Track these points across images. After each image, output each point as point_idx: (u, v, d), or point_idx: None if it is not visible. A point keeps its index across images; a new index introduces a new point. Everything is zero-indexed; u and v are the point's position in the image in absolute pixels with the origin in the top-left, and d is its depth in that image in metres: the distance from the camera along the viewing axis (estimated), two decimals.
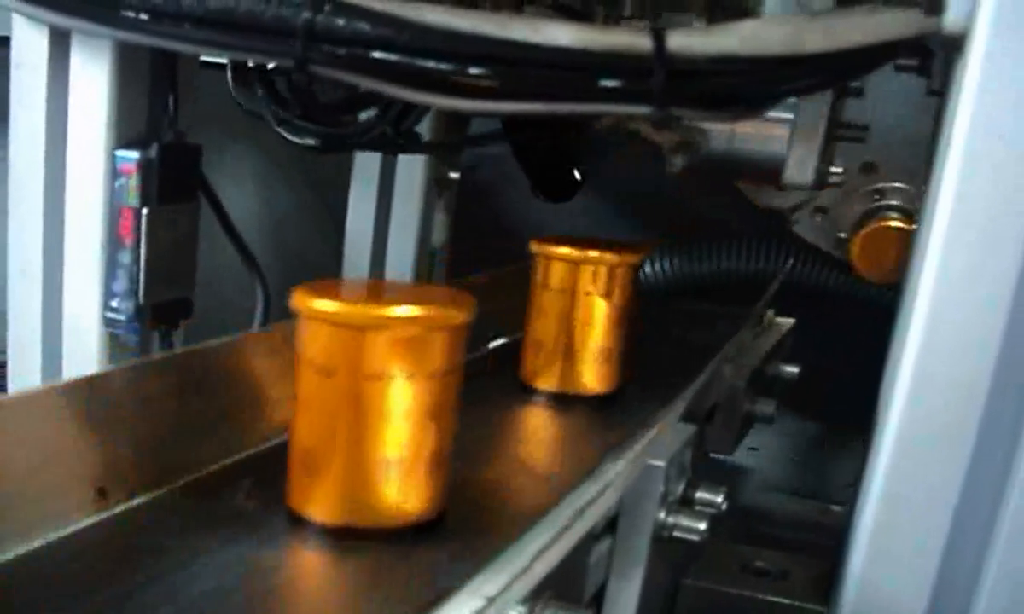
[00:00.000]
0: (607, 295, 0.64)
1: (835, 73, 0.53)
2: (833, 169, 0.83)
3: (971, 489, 0.47)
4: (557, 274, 0.64)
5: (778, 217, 1.08)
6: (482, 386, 0.63)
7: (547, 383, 0.65)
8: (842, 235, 1.03)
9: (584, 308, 0.64)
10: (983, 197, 0.45)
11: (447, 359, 0.43)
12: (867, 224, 0.97)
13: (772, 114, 0.75)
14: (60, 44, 0.65)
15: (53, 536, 0.41)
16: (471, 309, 0.43)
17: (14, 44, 0.66)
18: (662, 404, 0.62)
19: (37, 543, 0.40)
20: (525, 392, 0.65)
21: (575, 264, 0.64)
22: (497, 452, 0.56)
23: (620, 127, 0.79)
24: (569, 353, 0.64)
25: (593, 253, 0.64)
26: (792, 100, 0.74)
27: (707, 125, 0.79)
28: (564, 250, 0.64)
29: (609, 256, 0.64)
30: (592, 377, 0.65)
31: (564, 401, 0.64)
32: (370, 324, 0.41)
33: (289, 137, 0.67)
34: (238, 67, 0.66)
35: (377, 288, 0.48)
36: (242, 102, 0.67)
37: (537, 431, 0.61)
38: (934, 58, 0.58)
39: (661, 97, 0.49)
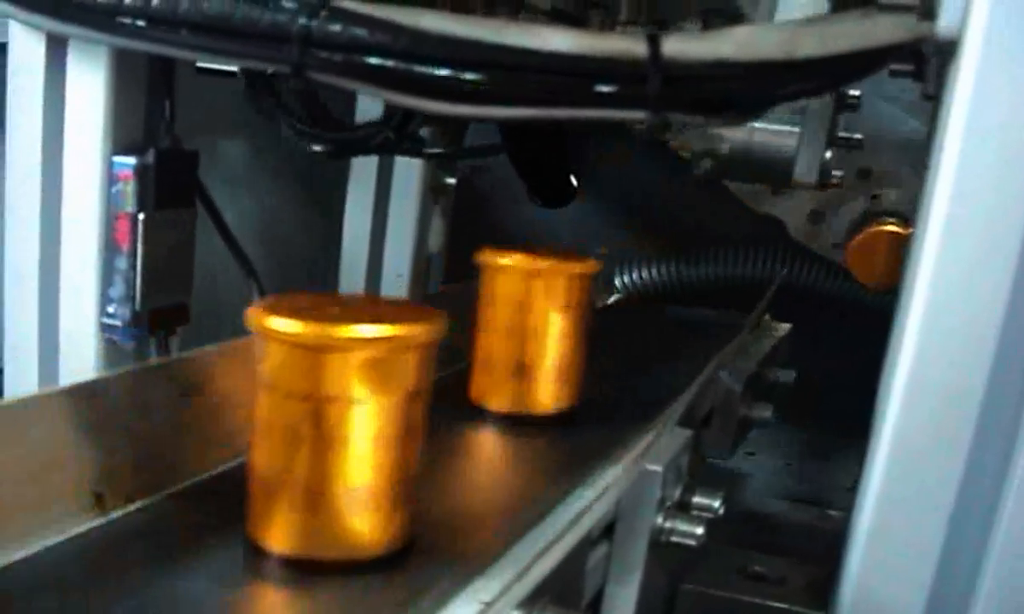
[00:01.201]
0: (564, 308, 0.60)
1: (830, 78, 0.53)
2: (833, 172, 0.88)
3: (967, 494, 0.47)
4: (507, 286, 0.60)
5: (774, 222, 1.09)
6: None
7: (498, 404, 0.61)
8: (838, 241, 1.04)
9: (538, 322, 0.59)
10: (978, 202, 0.45)
11: (415, 380, 0.40)
12: (863, 229, 0.98)
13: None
14: (57, 50, 0.65)
15: (51, 541, 0.41)
16: (441, 326, 0.40)
17: (11, 50, 0.66)
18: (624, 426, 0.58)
19: (35, 548, 0.40)
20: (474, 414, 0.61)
21: (527, 276, 0.59)
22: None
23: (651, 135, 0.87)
24: (520, 371, 0.60)
25: (546, 263, 0.59)
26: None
27: (723, 131, 0.86)
28: (514, 260, 0.59)
29: (566, 267, 0.59)
30: (547, 396, 0.61)
31: (515, 423, 0.60)
32: (330, 345, 0.38)
33: (301, 143, 0.67)
34: (251, 72, 0.66)
35: (338, 303, 0.43)
36: (257, 108, 0.67)
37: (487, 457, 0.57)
38: (929, 63, 0.58)
39: (656, 102, 0.50)
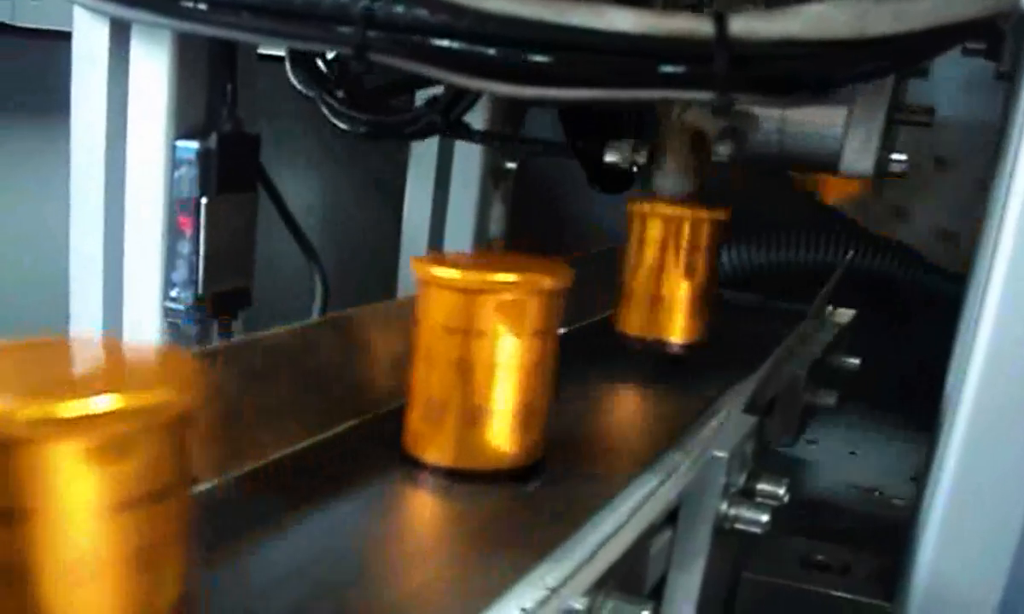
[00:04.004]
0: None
1: (902, 57, 0.51)
2: (896, 157, 0.80)
3: None
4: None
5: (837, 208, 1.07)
6: None
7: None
8: None
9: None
10: None
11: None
12: None
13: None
14: (120, 36, 0.66)
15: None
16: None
17: (75, 36, 0.66)
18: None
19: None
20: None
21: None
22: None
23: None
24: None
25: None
26: None
27: (756, 111, 0.76)
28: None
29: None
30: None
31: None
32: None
33: (340, 125, 0.67)
34: (296, 53, 0.66)
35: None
36: (301, 88, 0.67)
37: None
38: (1004, 40, 0.56)
39: (723, 82, 0.49)
